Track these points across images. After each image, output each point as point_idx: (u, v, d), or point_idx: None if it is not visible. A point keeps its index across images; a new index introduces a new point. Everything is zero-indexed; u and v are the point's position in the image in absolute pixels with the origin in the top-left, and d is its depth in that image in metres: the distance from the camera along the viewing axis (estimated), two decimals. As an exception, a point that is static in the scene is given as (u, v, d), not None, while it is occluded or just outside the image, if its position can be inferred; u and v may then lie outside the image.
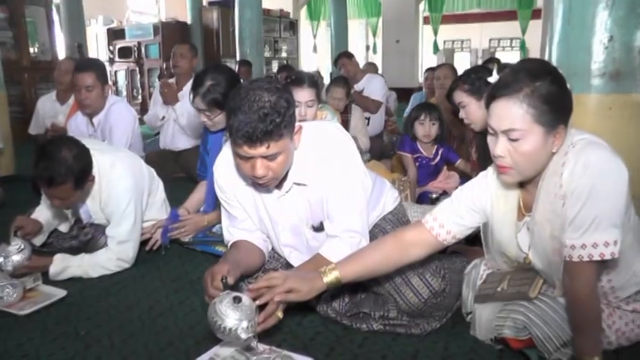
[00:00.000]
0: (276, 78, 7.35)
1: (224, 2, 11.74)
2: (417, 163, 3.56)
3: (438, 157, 3.56)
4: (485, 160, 2.79)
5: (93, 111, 3.60)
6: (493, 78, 1.90)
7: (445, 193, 3.53)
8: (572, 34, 2.30)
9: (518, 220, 1.71)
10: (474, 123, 2.69)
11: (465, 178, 3.51)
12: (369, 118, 5.42)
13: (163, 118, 4.86)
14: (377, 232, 2.17)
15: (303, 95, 3.02)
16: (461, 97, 2.68)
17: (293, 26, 14.36)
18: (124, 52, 11.74)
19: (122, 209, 2.58)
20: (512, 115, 1.49)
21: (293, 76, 3.17)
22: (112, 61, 11.99)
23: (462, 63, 18.18)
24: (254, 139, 1.67)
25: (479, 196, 1.78)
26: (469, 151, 2.99)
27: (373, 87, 5.53)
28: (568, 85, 1.55)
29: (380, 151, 5.35)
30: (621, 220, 1.50)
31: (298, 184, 1.94)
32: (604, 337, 1.71)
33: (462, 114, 2.73)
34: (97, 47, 12.65)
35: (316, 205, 1.98)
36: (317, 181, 1.93)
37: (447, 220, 1.79)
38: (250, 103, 1.68)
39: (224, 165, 2.04)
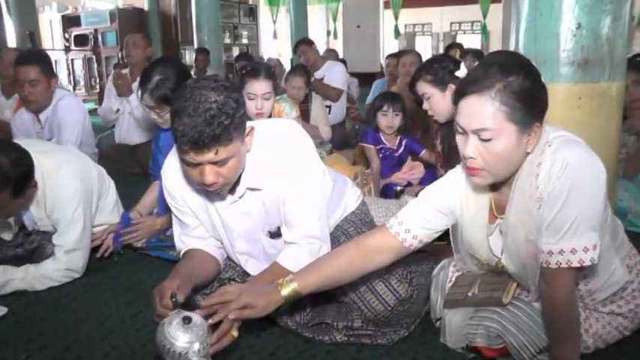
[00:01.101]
0: (235, 66, 7.12)
1: (181, -12, 11.40)
2: (381, 155, 3.42)
3: (402, 148, 3.43)
4: (450, 150, 2.67)
5: (38, 107, 3.35)
6: (461, 72, 1.75)
7: (410, 185, 3.41)
8: (539, 21, 2.17)
9: (489, 222, 1.59)
10: (439, 115, 2.56)
11: (430, 168, 3.39)
12: (330, 107, 5.26)
13: (118, 110, 4.62)
14: (339, 234, 2.03)
15: (259, 87, 2.84)
16: (424, 87, 2.54)
17: (252, 12, 14.09)
18: (80, 40, 11.34)
19: (69, 216, 2.38)
20: (483, 113, 1.34)
21: (249, 67, 2.98)
22: (67, 49, 11.56)
23: (424, 47, 18.13)
24: (200, 144, 1.50)
25: (447, 197, 1.64)
26: (434, 142, 2.85)
27: (334, 74, 5.34)
28: (543, 79, 1.41)
29: (342, 140, 5.21)
30: (600, 222, 1.39)
31: (252, 189, 1.78)
32: (581, 342, 1.61)
33: (425, 105, 2.59)
34: (52, 35, 12.15)
35: (272, 209, 1.83)
36: (272, 184, 1.77)
37: (413, 224, 1.64)
38: (195, 104, 1.50)
39: (172, 170, 1.86)
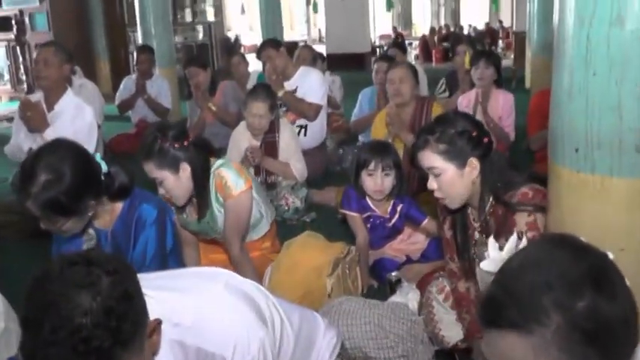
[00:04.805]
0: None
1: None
2: (369, 225, 2.96)
3: (396, 216, 2.96)
4: (465, 241, 2.23)
5: None
6: (488, 263, 1.20)
7: (409, 261, 2.97)
8: (592, 84, 1.73)
9: None
10: (451, 199, 2.06)
11: (435, 239, 2.93)
12: (305, 127, 4.80)
13: (30, 150, 4.11)
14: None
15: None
16: (433, 160, 2.00)
17: (215, -17, 13.64)
18: (2, 24, 10.77)
19: None
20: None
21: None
22: (-15, 35, 11.02)
23: (422, 5, 17.80)
24: None
25: None
26: (441, 225, 2.39)
27: (310, 84, 4.83)
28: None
29: (323, 171, 4.79)
30: None
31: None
32: None
33: (432, 184, 2.08)
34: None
35: None
36: None
37: None
38: (54, 322, 1.04)
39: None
